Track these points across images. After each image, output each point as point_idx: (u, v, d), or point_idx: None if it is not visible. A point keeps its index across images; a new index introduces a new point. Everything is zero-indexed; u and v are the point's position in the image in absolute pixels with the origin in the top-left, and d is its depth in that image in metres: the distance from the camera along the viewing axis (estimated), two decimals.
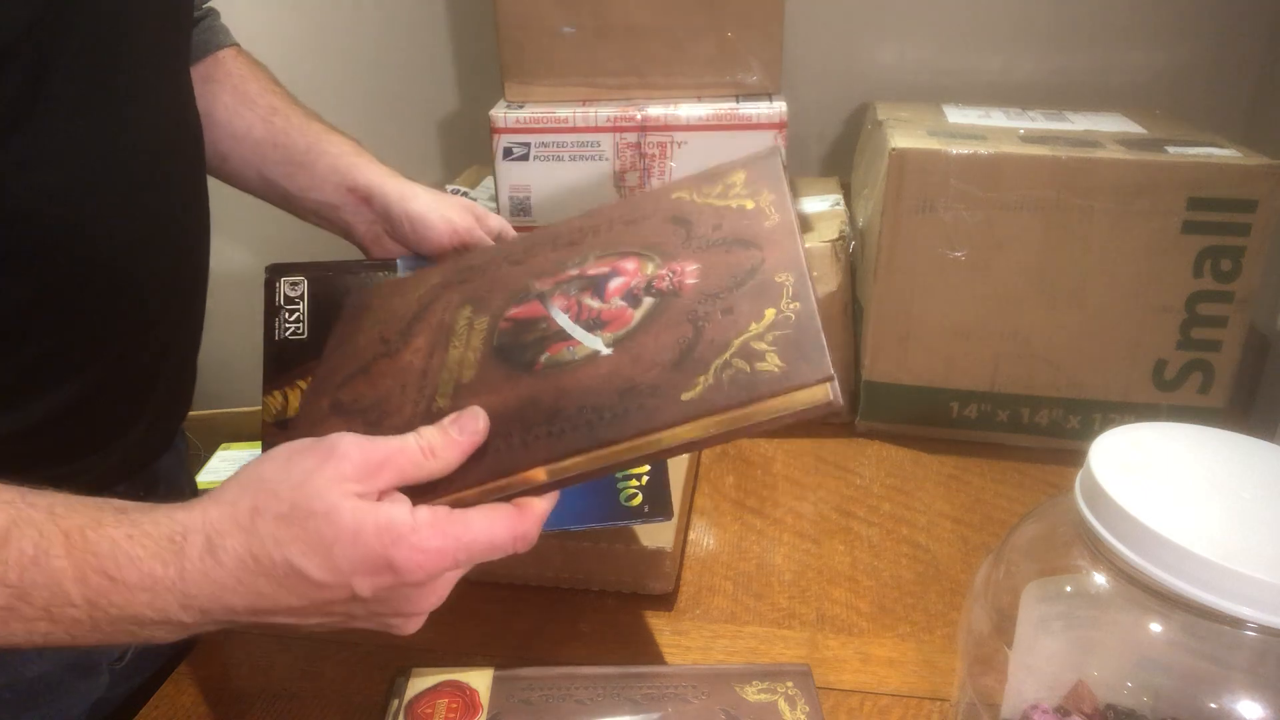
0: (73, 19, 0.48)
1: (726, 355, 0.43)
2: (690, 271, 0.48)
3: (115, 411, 0.60)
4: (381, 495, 0.39)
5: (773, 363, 0.43)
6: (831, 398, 0.42)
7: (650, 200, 0.56)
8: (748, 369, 0.43)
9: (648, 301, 0.48)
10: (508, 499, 0.43)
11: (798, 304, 0.45)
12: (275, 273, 0.66)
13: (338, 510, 0.37)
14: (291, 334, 0.64)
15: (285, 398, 0.61)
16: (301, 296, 0.65)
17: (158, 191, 0.57)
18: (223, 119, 0.69)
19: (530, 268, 0.54)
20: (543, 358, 0.47)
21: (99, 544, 0.36)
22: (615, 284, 0.49)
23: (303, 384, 0.61)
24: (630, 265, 0.50)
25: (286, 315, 0.65)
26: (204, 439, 1.46)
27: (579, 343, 0.47)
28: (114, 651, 0.64)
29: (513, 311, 0.51)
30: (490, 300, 0.53)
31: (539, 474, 0.43)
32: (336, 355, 0.56)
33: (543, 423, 0.44)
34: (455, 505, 0.42)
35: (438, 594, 0.40)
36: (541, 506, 0.43)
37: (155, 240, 0.58)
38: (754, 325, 0.44)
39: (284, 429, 0.60)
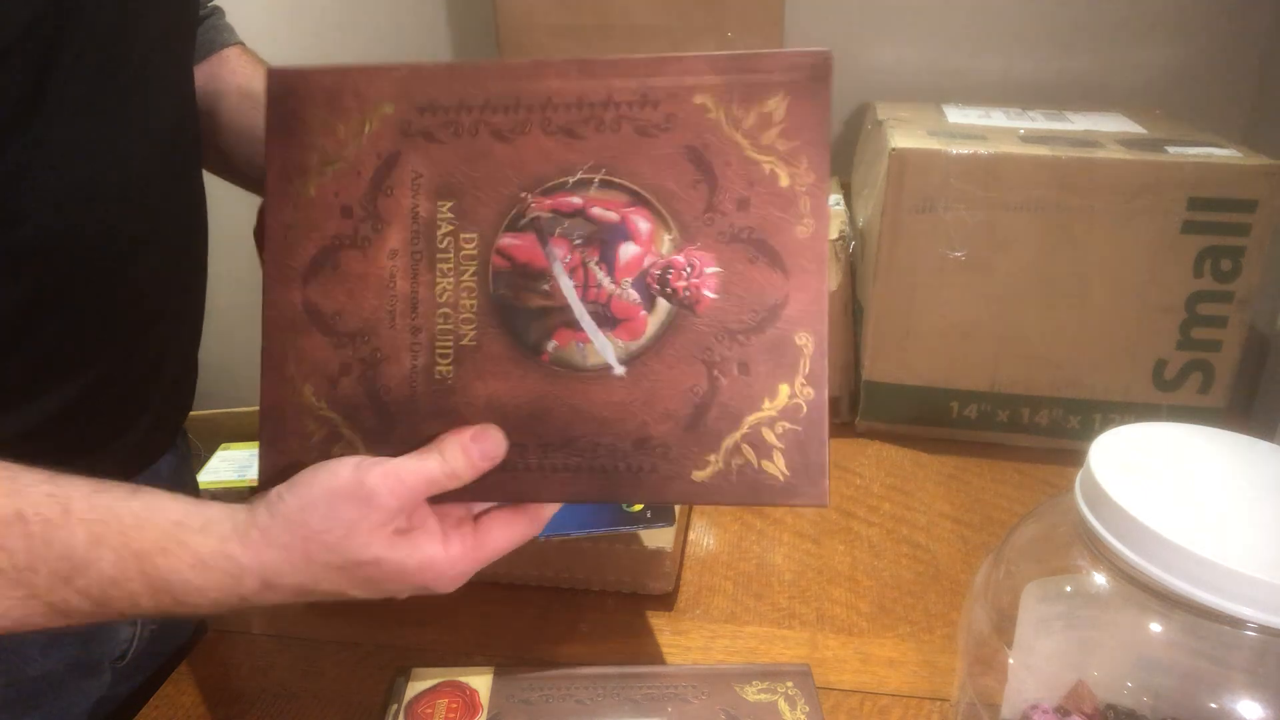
0: (75, 19, 0.48)
1: (737, 437, 0.45)
2: (709, 276, 0.45)
3: (116, 411, 0.60)
4: (413, 518, 0.44)
5: (779, 467, 0.45)
6: (824, 505, 0.45)
7: (666, 89, 0.45)
8: (754, 464, 0.45)
9: (662, 307, 0.45)
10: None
11: (811, 391, 0.45)
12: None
13: (384, 559, 0.43)
14: None
15: None
16: None
17: (158, 190, 0.57)
18: (227, 117, 0.69)
19: (520, 155, 0.46)
20: (550, 345, 0.46)
21: (168, 574, 0.42)
22: (627, 256, 0.45)
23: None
24: (644, 225, 0.45)
25: None
26: (204, 439, 1.46)
27: (589, 341, 0.46)
28: (116, 650, 0.64)
29: (506, 242, 0.46)
30: (475, 204, 0.46)
31: (555, 505, 0.48)
32: (284, 200, 0.48)
33: (560, 446, 0.46)
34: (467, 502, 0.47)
35: (462, 582, 0.47)
36: (550, 511, 0.48)
37: (155, 239, 0.58)
38: (767, 403, 0.45)
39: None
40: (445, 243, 0.46)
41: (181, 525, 0.43)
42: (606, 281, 0.45)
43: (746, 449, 0.45)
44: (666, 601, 0.69)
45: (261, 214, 0.55)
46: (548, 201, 0.45)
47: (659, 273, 0.45)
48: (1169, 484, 0.43)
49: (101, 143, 0.52)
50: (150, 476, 0.66)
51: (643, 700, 0.56)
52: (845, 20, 1.11)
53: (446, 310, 0.46)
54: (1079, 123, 0.89)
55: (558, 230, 0.45)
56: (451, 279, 0.46)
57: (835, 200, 0.98)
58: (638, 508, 0.58)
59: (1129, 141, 0.83)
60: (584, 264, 0.45)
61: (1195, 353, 0.82)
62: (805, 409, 0.45)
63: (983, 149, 0.80)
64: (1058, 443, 0.87)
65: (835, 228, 0.91)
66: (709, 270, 0.45)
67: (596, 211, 0.45)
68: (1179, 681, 0.43)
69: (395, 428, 0.47)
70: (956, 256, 0.82)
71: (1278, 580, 0.37)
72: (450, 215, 0.46)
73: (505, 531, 0.46)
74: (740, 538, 0.77)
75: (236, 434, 1.48)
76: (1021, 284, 0.82)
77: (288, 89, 0.48)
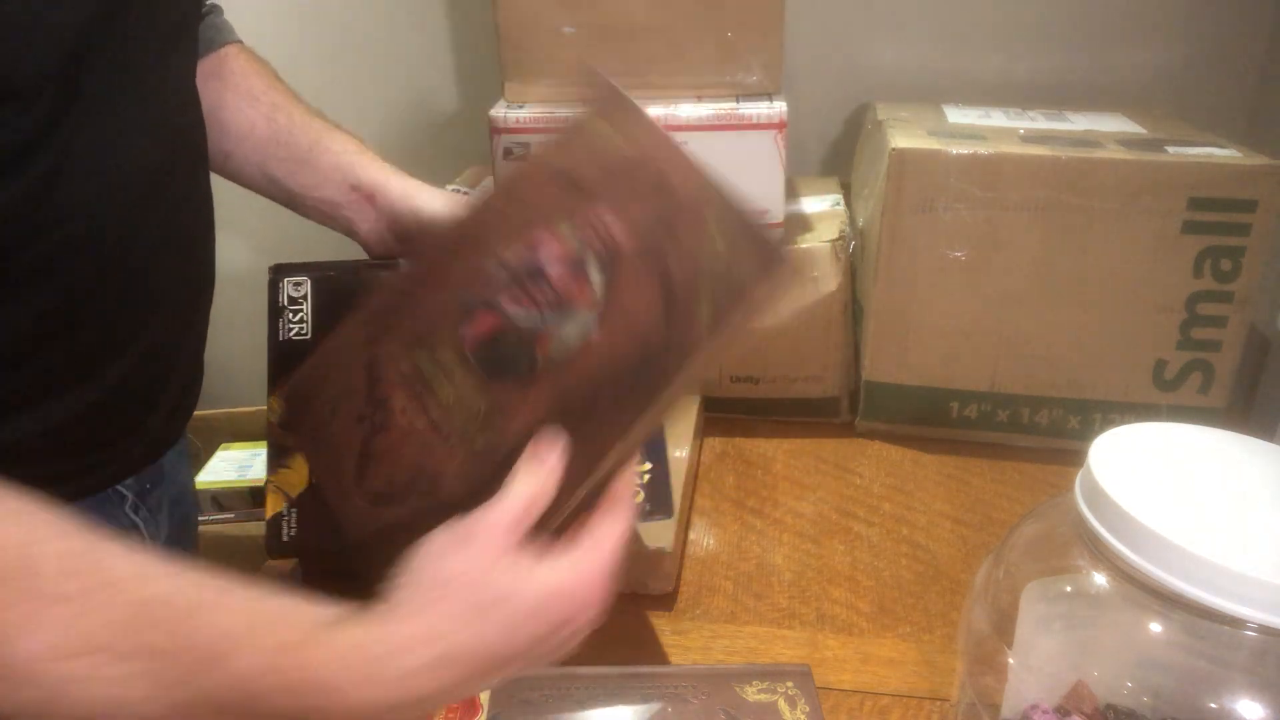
0: (104, 34, 0.48)
1: (701, 276, 0.46)
2: (610, 220, 0.47)
3: (131, 410, 0.60)
4: (527, 560, 0.42)
5: (729, 252, 0.45)
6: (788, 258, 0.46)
7: (521, 185, 0.52)
8: (725, 271, 0.45)
9: (596, 266, 0.47)
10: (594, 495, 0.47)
11: (723, 196, 0.46)
12: (279, 273, 0.65)
13: (510, 595, 0.41)
14: (296, 334, 0.64)
15: None
16: (305, 297, 0.64)
17: (169, 193, 0.57)
18: (226, 116, 0.69)
19: (446, 283, 0.51)
20: (539, 358, 0.47)
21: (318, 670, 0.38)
22: (547, 255, 0.48)
23: None
24: (544, 236, 0.48)
25: (290, 316, 0.64)
26: (204, 439, 1.45)
27: (561, 330, 0.47)
28: None
29: (468, 331, 0.49)
30: (435, 334, 0.50)
31: (617, 446, 0.46)
32: (322, 453, 0.53)
33: (609, 399, 0.46)
34: (563, 518, 0.46)
35: (601, 610, 0.45)
36: (622, 490, 0.46)
37: (168, 241, 0.58)
38: (706, 233, 0.46)
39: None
40: (432, 370, 0.49)
41: (331, 619, 0.40)
42: (546, 286, 0.48)
43: (714, 273, 0.46)
44: (666, 601, 0.69)
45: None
46: (478, 286, 0.49)
47: (577, 248, 0.48)
48: (1169, 484, 0.43)
49: (119, 151, 0.52)
50: (155, 471, 0.66)
51: (643, 700, 0.56)
52: (845, 20, 1.11)
53: (458, 406, 0.49)
54: (1079, 123, 0.89)
55: (499, 295, 0.49)
56: (451, 389, 0.49)
57: (835, 200, 0.98)
58: (637, 499, 0.58)
59: (1129, 141, 0.83)
60: (526, 292, 0.48)
61: (1195, 353, 0.82)
62: (733, 208, 0.46)
63: (983, 149, 0.80)
64: (1058, 443, 0.87)
65: (835, 228, 0.91)
66: (607, 216, 0.48)
67: (513, 261, 0.49)
68: (1179, 681, 0.43)
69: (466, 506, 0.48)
70: (956, 256, 0.82)
71: (1278, 580, 0.37)
72: (427, 356, 0.50)
73: (606, 523, 0.45)
74: (740, 538, 0.77)
75: (236, 434, 1.47)
76: (1021, 284, 0.82)
77: (301, 398, 0.55)
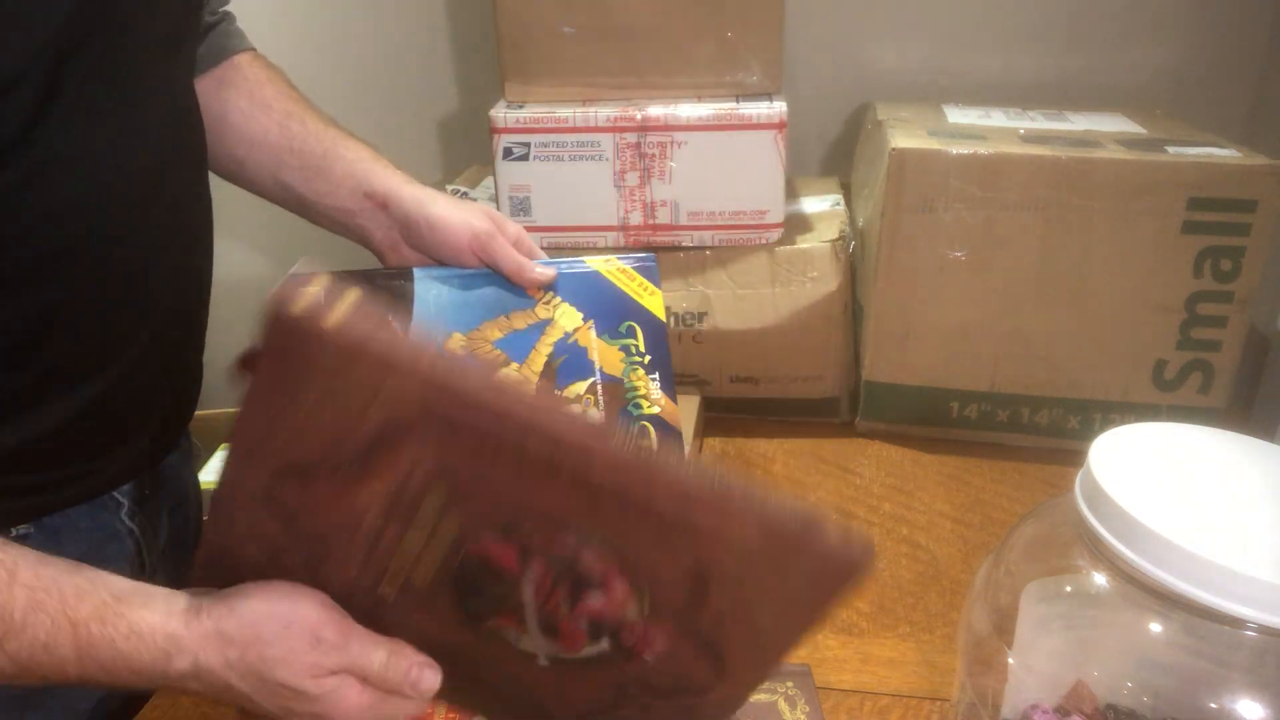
0: (85, 35, 0.48)
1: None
2: (657, 649, 0.45)
3: (125, 416, 0.60)
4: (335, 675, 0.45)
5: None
6: None
7: (674, 492, 0.41)
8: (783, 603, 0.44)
9: (604, 645, 0.45)
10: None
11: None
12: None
13: (303, 692, 0.44)
14: None
15: None
16: None
17: (164, 198, 0.57)
18: (238, 124, 0.69)
19: (530, 495, 0.42)
20: (491, 621, 0.45)
21: (100, 643, 0.43)
22: (593, 603, 0.44)
23: None
24: (621, 590, 0.44)
25: None
26: (204, 439, 1.45)
27: (525, 632, 0.45)
28: None
29: (486, 542, 0.43)
30: (469, 504, 0.42)
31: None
32: (280, 407, 0.42)
33: (469, 683, 0.48)
34: None
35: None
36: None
37: (163, 246, 0.58)
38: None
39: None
40: (427, 510, 0.43)
41: (122, 600, 0.44)
42: (565, 607, 0.45)
43: None
44: None
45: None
46: (543, 538, 0.43)
47: (613, 625, 0.45)
48: (1169, 484, 0.43)
49: (108, 153, 0.52)
50: (154, 476, 0.66)
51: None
52: (845, 20, 1.11)
53: (406, 559, 0.44)
54: (1079, 123, 0.89)
55: (542, 558, 0.44)
56: (421, 539, 0.43)
57: (835, 200, 0.98)
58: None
59: (1129, 141, 0.83)
60: (552, 587, 0.44)
61: (1195, 353, 0.82)
62: None
63: (983, 149, 0.80)
64: (1058, 443, 0.87)
65: (835, 228, 0.91)
66: (659, 646, 0.45)
67: (584, 562, 0.43)
68: (1179, 681, 0.43)
69: None
70: (956, 256, 0.82)
71: (1278, 580, 0.37)
72: (443, 493, 0.42)
73: (406, 705, 0.47)
74: None
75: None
76: (1021, 284, 0.82)
77: (293, 340, 0.40)
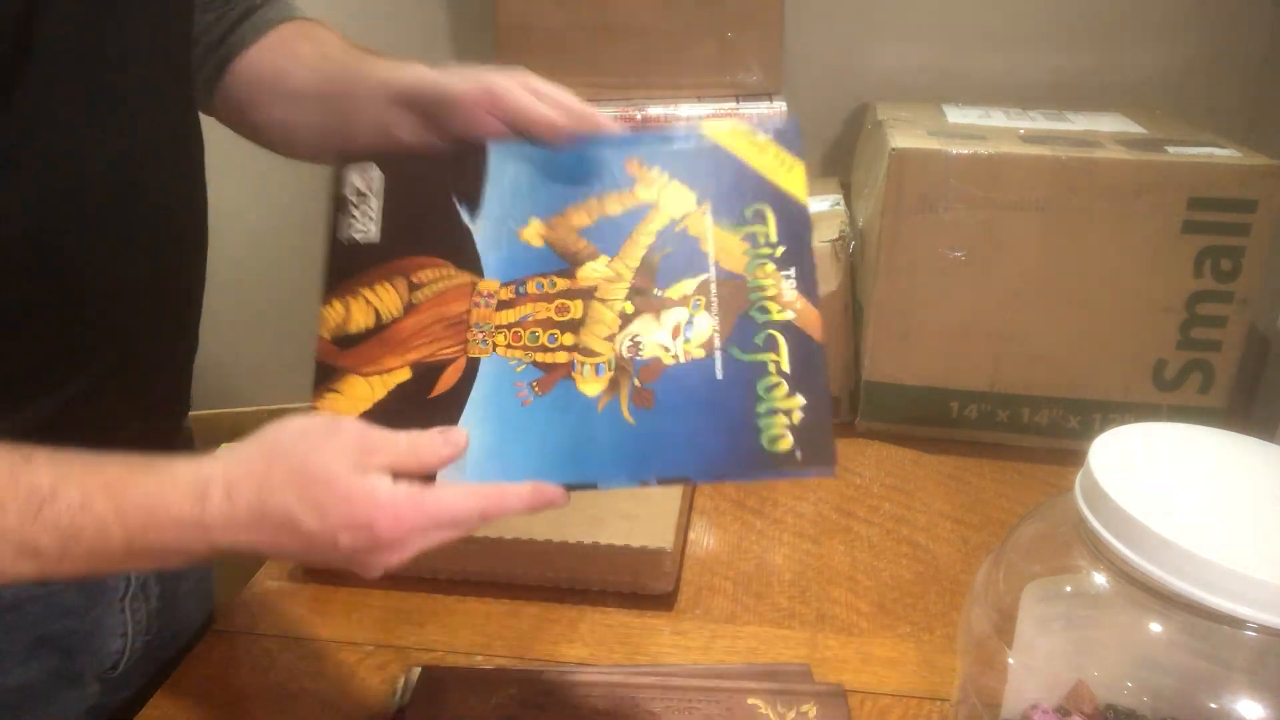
0: (47, 18, 0.46)
1: None
2: None
3: (97, 428, 0.58)
4: (370, 472, 0.45)
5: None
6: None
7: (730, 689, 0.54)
8: None
9: None
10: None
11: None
12: (344, 160, 0.56)
13: (335, 477, 0.44)
14: (359, 234, 0.55)
15: (347, 308, 0.53)
16: (374, 190, 0.56)
17: (139, 206, 0.55)
18: (272, 84, 0.65)
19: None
20: None
21: (134, 491, 0.43)
22: None
23: (368, 292, 0.53)
24: None
25: (354, 211, 0.55)
26: (204, 439, 1.46)
27: None
28: (107, 661, 0.63)
29: None
30: None
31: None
32: None
33: None
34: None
35: (405, 554, 0.45)
36: (516, 503, 0.46)
37: (138, 255, 0.56)
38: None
39: (344, 347, 0.52)
40: None
41: (146, 460, 0.44)
42: None
43: None
44: (666, 601, 0.69)
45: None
46: None
47: None
48: (1169, 484, 0.43)
49: (73, 156, 0.50)
50: None
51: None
52: (845, 20, 1.11)
53: None
54: (1079, 123, 0.89)
55: None
56: None
57: (835, 200, 0.98)
58: (784, 445, 0.46)
59: (1129, 141, 0.83)
60: None
61: (1195, 353, 0.82)
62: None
63: (983, 149, 0.80)
64: (1058, 443, 0.87)
65: (835, 228, 0.91)
66: None
67: None
68: (1179, 681, 0.43)
69: None
70: (956, 256, 0.82)
71: (1278, 580, 0.37)
72: None
73: (459, 496, 0.45)
74: (740, 538, 0.77)
75: (236, 434, 1.48)
76: (1021, 284, 0.82)
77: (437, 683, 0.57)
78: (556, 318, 0.51)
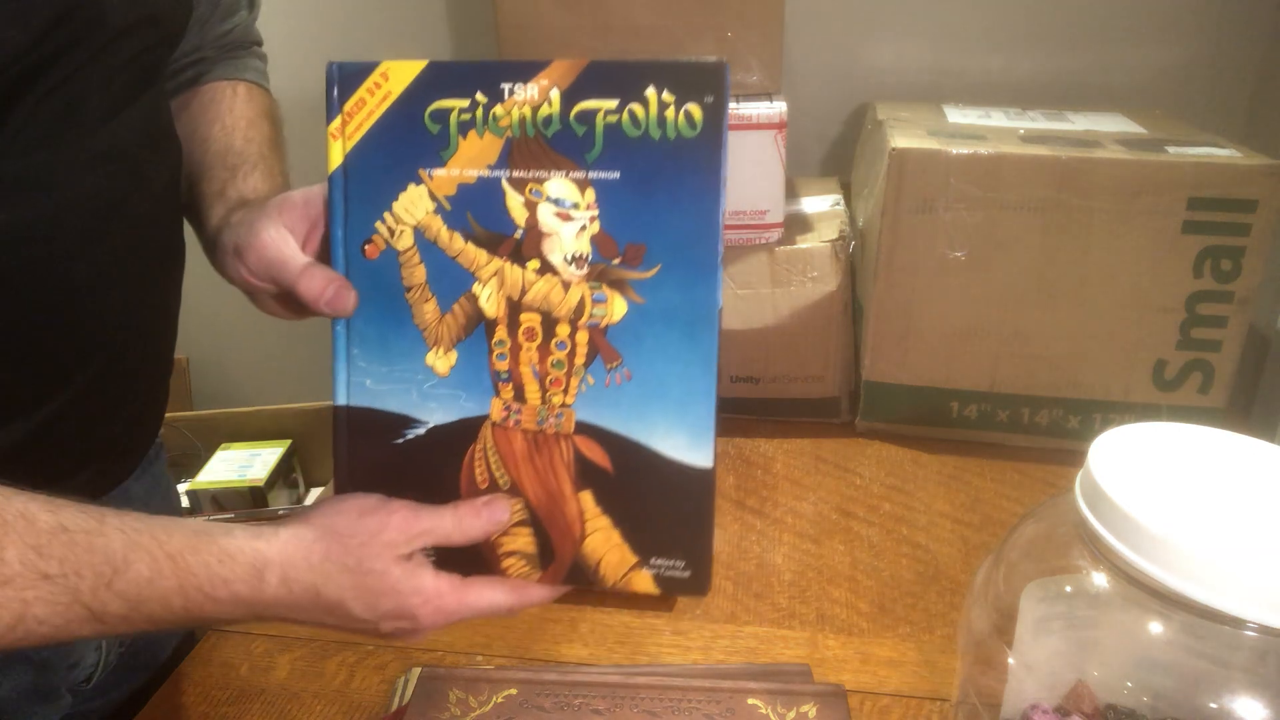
0: (45, 62, 0.47)
1: None
2: None
3: (71, 451, 0.58)
4: (414, 555, 0.49)
5: None
6: None
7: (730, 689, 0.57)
8: None
9: None
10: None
11: None
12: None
13: (388, 573, 0.48)
14: None
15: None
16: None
17: (120, 229, 0.55)
18: (186, 147, 0.64)
19: None
20: None
21: (197, 568, 0.45)
22: None
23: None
24: None
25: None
26: (204, 439, 1.46)
27: None
28: (80, 675, 0.63)
29: None
30: None
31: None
32: None
33: None
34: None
35: (435, 631, 0.51)
36: (538, 595, 0.53)
37: (116, 277, 0.56)
38: None
39: None
40: None
41: (205, 533, 0.46)
42: None
43: None
44: (666, 602, 0.69)
45: None
46: None
47: None
48: (1169, 484, 0.43)
49: (57, 178, 0.50)
50: (120, 496, 0.64)
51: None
52: (845, 20, 1.11)
53: None
54: (1079, 123, 0.89)
55: None
56: None
57: (835, 200, 0.98)
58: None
59: (1129, 141, 0.83)
60: None
61: (1195, 353, 0.82)
62: None
63: (983, 149, 0.80)
64: (1058, 443, 0.87)
65: (835, 228, 0.91)
66: None
67: None
68: (1179, 681, 0.43)
69: None
70: (956, 256, 0.82)
71: (1278, 580, 0.37)
72: None
73: (488, 591, 0.51)
74: (740, 538, 0.77)
75: (236, 434, 1.48)
76: (1021, 284, 0.82)
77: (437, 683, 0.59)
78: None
